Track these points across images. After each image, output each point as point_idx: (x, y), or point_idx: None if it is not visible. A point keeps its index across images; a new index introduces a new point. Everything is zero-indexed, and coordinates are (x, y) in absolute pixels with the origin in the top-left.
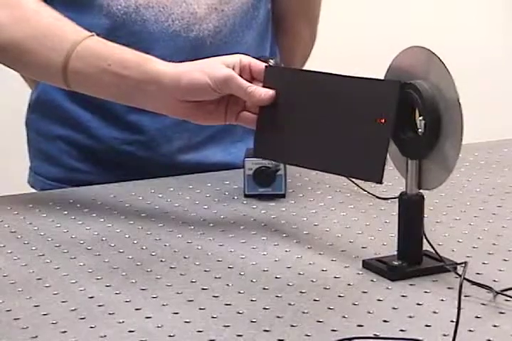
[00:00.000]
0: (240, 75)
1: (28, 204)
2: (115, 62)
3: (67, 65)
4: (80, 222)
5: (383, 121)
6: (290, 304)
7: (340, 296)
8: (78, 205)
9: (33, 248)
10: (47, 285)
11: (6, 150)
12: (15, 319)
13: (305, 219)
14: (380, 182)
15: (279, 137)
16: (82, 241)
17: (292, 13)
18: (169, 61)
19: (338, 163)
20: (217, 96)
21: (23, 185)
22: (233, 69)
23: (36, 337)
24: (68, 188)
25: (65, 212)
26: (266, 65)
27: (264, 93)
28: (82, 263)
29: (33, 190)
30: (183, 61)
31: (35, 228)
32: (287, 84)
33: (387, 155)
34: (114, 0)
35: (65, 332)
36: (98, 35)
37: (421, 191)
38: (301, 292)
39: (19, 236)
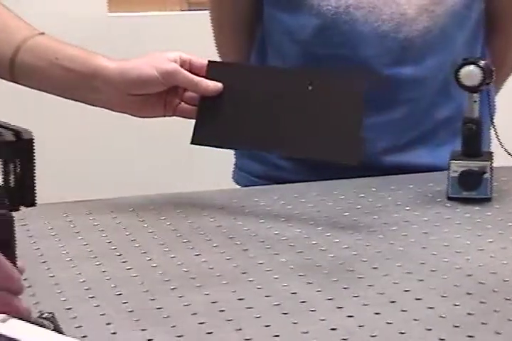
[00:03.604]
0: None
1: (232, 199)
2: (63, 56)
3: (15, 57)
4: (283, 219)
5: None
6: (495, 310)
7: None
8: (282, 202)
9: (238, 242)
10: (251, 279)
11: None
12: (220, 311)
13: (511, 224)
14: (356, 164)
15: (224, 125)
16: (284, 238)
17: (507, 13)
18: (377, 61)
19: (309, 147)
20: (162, 89)
21: (229, 181)
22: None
23: (240, 329)
24: (272, 185)
25: (269, 209)
26: (208, 60)
27: (211, 83)
28: (284, 260)
29: (238, 186)
30: (392, 61)
31: (240, 223)
32: (231, 78)
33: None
34: (325, 0)
35: (268, 326)
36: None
37: None
38: (506, 299)
39: (224, 231)
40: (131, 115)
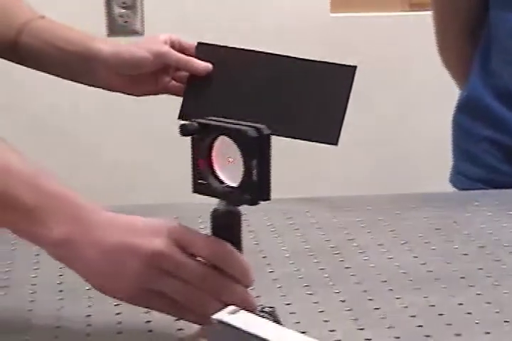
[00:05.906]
0: None
1: (450, 201)
2: (62, 38)
3: (18, 39)
4: (505, 224)
5: None
6: None
7: None
8: (504, 207)
9: (456, 246)
10: (471, 284)
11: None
12: (439, 314)
13: None
14: (336, 144)
15: (209, 103)
16: (506, 244)
17: None
18: None
19: (289, 126)
20: (154, 69)
21: (445, 183)
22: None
23: (460, 335)
24: (492, 190)
25: (490, 214)
26: (198, 41)
27: (201, 63)
28: (505, 266)
29: (454, 189)
30: None
31: (458, 226)
32: (219, 59)
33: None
34: None
35: (488, 333)
36: None
37: None
38: None
39: (442, 234)
40: (126, 94)
